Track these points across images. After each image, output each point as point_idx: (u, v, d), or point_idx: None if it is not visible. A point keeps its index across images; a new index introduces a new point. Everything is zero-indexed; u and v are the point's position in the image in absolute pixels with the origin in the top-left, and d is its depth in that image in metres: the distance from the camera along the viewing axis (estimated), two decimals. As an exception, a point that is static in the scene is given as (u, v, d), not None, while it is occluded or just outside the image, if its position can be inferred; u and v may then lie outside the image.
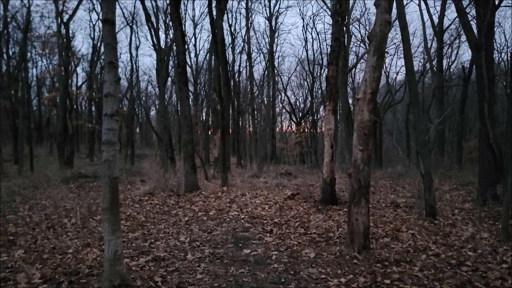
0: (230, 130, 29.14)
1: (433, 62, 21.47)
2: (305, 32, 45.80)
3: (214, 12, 15.07)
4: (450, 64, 27.05)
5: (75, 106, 29.59)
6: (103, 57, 27.50)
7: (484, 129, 8.70)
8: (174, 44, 10.11)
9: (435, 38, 21.02)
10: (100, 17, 25.70)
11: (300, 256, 5.02)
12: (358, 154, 5.16)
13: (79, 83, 35.26)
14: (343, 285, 4.09)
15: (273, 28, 26.38)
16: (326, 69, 10.96)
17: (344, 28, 20.66)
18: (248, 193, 9.87)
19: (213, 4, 16.20)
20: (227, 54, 27.24)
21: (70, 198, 9.17)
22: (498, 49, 23.91)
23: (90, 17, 46.06)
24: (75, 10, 19.78)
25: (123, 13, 30.58)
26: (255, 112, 29.10)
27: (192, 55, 32.54)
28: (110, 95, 4.00)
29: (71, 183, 11.91)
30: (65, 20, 19.71)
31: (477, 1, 9.72)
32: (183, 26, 29.04)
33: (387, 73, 28.86)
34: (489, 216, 7.41)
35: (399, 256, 4.97)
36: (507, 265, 4.60)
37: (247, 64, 27.29)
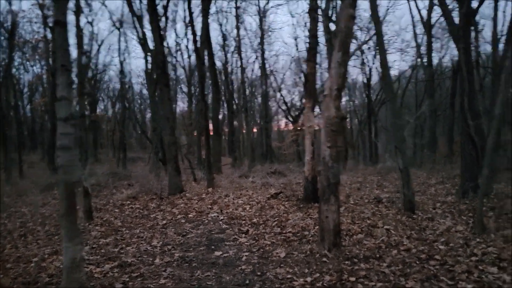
0: (226, 130, 29.13)
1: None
2: (295, 30, 45.67)
3: (198, 12, 15.05)
4: (441, 58, 27.02)
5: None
6: (94, 61, 27.43)
7: (465, 122, 8.66)
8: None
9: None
10: (88, 20, 25.78)
11: (270, 256, 4.96)
12: (326, 151, 5.09)
13: (71, 89, 35.04)
14: (308, 285, 4.03)
15: (263, 27, 26.28)
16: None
17: (334, 25, 20.59)
18: (232, 193, 9.81)
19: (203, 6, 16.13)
20: (222, 54, 27.26)
21: (51, 204, 9.11)
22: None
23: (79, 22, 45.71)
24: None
25: (111, 16, 30.49)
26: (248, 112, 28.98)
27: (185, 56, 32.41)
28: (64, 98, 3.94)
29: (55, 189, 11.84)
30: (50, 25, 19.57)
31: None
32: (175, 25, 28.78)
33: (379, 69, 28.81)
34: (469, 209, 7.35)
35: (370, 253, 4.91)
36: (476, 258, 4.55)
37: (239, 63, 27.20)
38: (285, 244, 5.49)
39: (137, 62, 76.01)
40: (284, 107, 34.10)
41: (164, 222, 7.12)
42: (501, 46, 14.71)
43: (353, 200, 8.81)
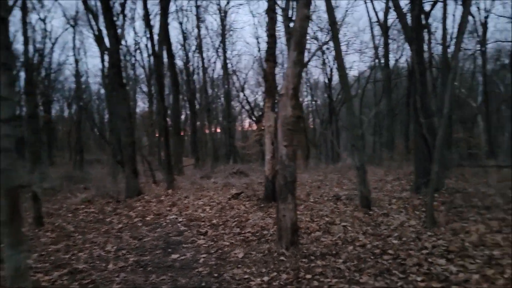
0: (190, 130, 28.66)
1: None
2: (257, 30, 45.80)
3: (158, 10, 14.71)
4: (397, 59, 28.01)
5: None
6: (47, 60, 26.19)
7: (417, 121, 9.00)
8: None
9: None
10: (41, 17, 24.56)
11: (228, 257, 4.92)
12: (283, 150, 5.11)
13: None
14: (265, 284, 4.03)
15: (225, 26, 26.17)
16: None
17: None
18: (193, 195, 9.67)
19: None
20: (183, 53, 26.81)
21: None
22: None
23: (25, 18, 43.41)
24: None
25: (65, 13, 29.24)
26: (211, 112, 28.76)
27: (145, 55, 31.63)
28: (5, 98, 3.71)
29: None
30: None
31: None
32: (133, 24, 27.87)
33: (339, 69, 29.37)
34: (422, 204, 7.63)
35: (327, 250, 4.98)
36: (427, 251, 4.73)
37: (201, 63, 26.91)
38: (244, 244, 5.47)
39: (95, 61, 73.44)
40: (247, 107, 34.15)
41: (120, 226, 6.90)
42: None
43: (313, 198, 8.93)
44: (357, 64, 60.43)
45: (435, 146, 8.66)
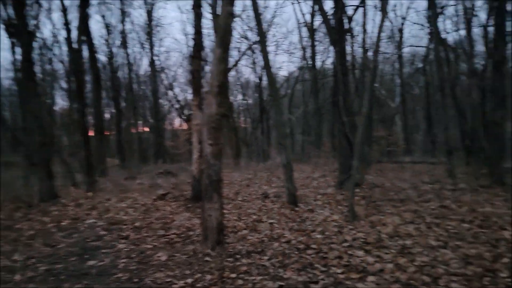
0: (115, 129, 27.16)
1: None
2: (186, 27, 44.89)
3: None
4: (324, 60, 29.19)
5: None
6: None
7: (340, 119, 9.41)
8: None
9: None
10: None
11: (151, 261, 4.69)
12: (208, 149, 4.99)
13: None
14: (188, 286, 3.89)
15: (152, 21, 25.25)
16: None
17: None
18: (115, 197, 9.16)
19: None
20: (107, 49, 25.29)
21: None
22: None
23: None
24: None
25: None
26: (137, 110, 27.64)
27: (64, 49, 29.40)
28: None
29: None
30: None
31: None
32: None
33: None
34: (345, 199, 7.99)
35: (253, 248, 4.97)
36: (347, 244, 4.92)
37: (126, 59, 25.70)
38: (168, 246, 5.26)
39: (5, 54, 66.47)
40: (177, 105, 33.30)
41: (31, 232, 6.27)
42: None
43: (241, 197, 8.93)
44: (286, 64, 61.83)
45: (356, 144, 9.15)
